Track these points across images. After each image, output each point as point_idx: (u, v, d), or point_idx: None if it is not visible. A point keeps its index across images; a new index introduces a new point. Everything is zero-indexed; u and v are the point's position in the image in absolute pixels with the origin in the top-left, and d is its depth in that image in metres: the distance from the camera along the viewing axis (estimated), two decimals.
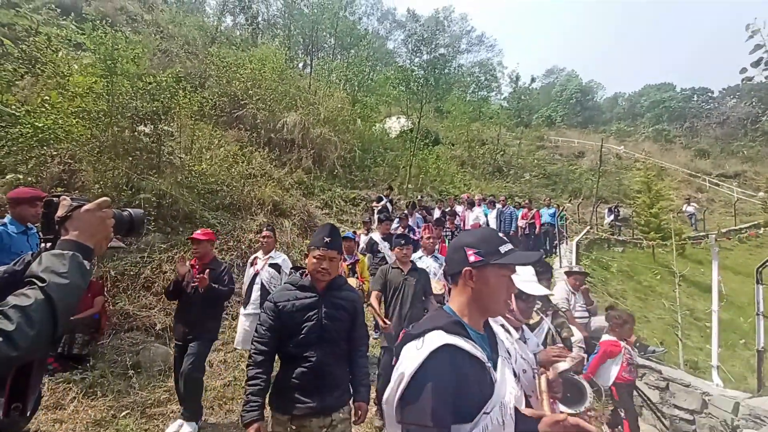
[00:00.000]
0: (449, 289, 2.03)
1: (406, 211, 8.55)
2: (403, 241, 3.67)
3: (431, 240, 4.49)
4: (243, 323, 4.14)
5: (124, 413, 3.38)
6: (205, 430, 3.36)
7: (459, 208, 9.72)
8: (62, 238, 0.90)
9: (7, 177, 5.24)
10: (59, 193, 0.98)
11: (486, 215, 9.51)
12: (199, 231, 3.58)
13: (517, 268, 1.22)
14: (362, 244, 6.17)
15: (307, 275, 2.04)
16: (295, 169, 10.08)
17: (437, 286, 4.03)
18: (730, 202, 17.89)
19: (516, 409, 1.04)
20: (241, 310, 4.22)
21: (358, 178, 11.94)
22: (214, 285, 3.27)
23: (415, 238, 7.30)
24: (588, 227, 12.94)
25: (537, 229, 9.87)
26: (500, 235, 1.22)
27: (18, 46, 6.38)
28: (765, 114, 31.95)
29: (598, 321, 4.73)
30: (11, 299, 0.74)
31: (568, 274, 4.79)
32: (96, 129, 5.92)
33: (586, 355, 3.62)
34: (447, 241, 6.53)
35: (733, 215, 16.24)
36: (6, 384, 0.83)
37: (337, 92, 13.16)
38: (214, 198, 7.24)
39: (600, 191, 17.01)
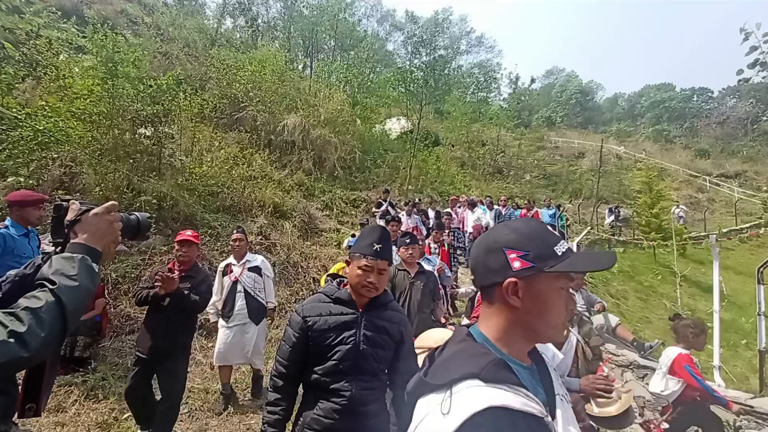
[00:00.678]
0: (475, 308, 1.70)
1: (401, 213, 7.92)
2: (408, 240, 3.30)
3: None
4: (224, 337, 3.72)
5: (125, 416, 3.37)
6: None
7: (459, 209, 9.71)
8: (71, 241, 0.92)
9: (8, 180, 5.26)
10: (68, 197, 1.00)
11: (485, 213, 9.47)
12: (188, 232, 3.23)
13: None
14: None
15: (345, 285, 1.70)
16: (296, 170, 10.10)
17: None
18: (731, 202, 17.92)
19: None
20: (221, 323, 3.81)
21: (358, 180, 11.96)
22: (185, 291, 2.90)
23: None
24: (588, 228, 12.96)
25: None
26: (550, 228, 0.88)
27: (19, 49, 6.41)
28: (765, 114, 32.00)
29: (597, 320, 4.73)
30: (22, 301, 0.76)
31: None
32: (97, 132, 5.94)
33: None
34: (446, 245, 5.93)
35: (733, 215, 16.26)
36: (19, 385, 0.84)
37: (337, 94, 13.18)
38: (214, 200, 7.25)
39: (600, 192, 17.04)
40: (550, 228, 0.88)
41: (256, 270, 3.86)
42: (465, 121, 19.91)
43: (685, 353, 3.05)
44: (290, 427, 1.66)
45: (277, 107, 10.95)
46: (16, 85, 6.20)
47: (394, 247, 3.05)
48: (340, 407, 1.52)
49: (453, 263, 6.44)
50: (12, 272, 1.10)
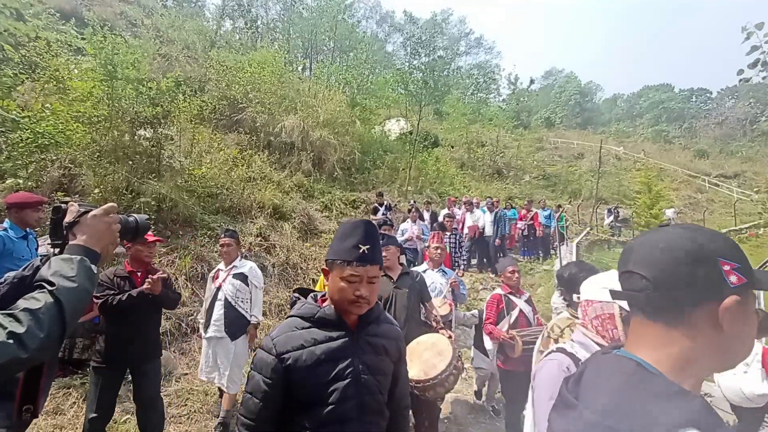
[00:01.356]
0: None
1: (406, 221, 7.64)
2: (383, 240, 2.88)
3: (439, 251, 3.71)
4: (203, 349, 3.52)
5: (124, 418, 3.38)
6: None
7: (457, 210, 9.71)
8: (70, 243, 0.92)
9: (7, 182, 5.26)
10: (67, 199, 1.00)
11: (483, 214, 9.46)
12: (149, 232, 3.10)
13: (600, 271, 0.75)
14: None
15: (325, 301, 1.28)
16: (295, 172, 10.10)
17: (443, 308, 3.40)
18: (730, 203, 17.95)
19: None
20: (202, 334, 3.55)
21: (357, 181, 11.97)
22: (166, 290, 2.84)
23: (412, 246, 7.17)
24: (588, 228, 12.97)
25: (537, 231, 9.89)
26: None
27: (18, 51, 6.41)
28: (763, 114, 32.09)
29: None
30: (21, 303, 0.76)
31: None
32: (96, 133, 5.95)
33: None
34: (448, 247, 5.62)
35: (733, 215, 16.30)
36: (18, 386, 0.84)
37: (337, 95, 13.20)
38: (213, 201, 7.25)
39: (600, 192, 17.07)
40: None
41: (241, 277, 3.44)
42: (464, 122, 19.94)
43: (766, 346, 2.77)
44: None
45: (276, 108, 10.96)
46: (16, 87, 6.20)
47: None
48: None
49: (453, 266, 6.45)
50: (10, 274, 1.10)
